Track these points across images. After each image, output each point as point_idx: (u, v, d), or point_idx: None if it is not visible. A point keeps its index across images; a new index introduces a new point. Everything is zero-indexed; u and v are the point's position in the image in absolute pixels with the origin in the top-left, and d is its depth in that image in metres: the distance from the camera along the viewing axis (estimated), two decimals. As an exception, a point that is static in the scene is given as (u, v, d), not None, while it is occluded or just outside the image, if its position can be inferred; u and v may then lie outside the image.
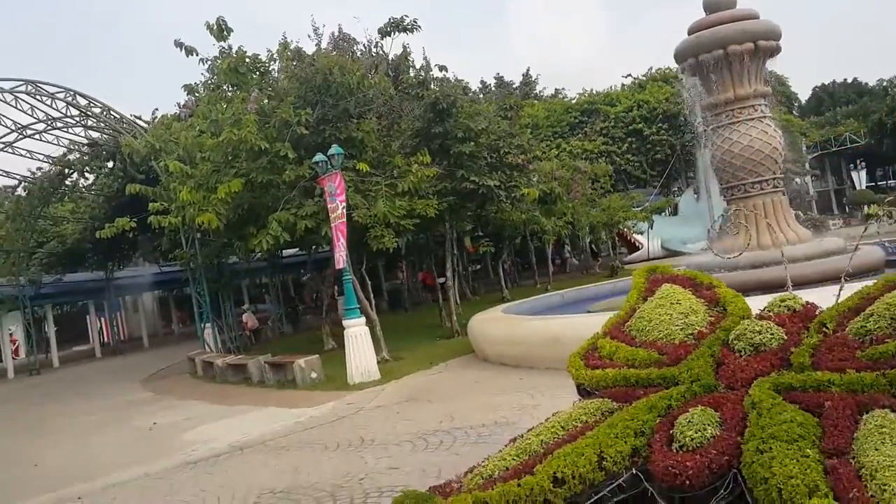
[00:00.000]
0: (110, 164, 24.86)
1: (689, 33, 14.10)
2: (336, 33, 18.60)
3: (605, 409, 4.24)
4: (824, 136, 50.03)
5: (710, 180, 39.27)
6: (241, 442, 9.99)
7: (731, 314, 4.74)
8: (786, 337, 4.20)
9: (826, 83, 76.56)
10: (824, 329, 4.20)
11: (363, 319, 13.80)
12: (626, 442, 3.72)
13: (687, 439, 3.56)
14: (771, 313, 4.52)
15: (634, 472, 3.73)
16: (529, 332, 11.54)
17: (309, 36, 18.53)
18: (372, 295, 17.89)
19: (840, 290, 4.84)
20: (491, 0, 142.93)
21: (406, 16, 18.31)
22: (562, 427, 4.15)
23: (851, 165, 50.50)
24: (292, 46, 17.42)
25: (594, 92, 43.55)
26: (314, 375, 14.12)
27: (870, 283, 5.00)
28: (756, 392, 3.72)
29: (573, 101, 43.11)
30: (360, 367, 13.28)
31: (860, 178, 48.75)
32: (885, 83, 59.48)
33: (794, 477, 3.05)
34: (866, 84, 77.08)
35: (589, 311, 14.27)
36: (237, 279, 29.76)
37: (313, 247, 20.77)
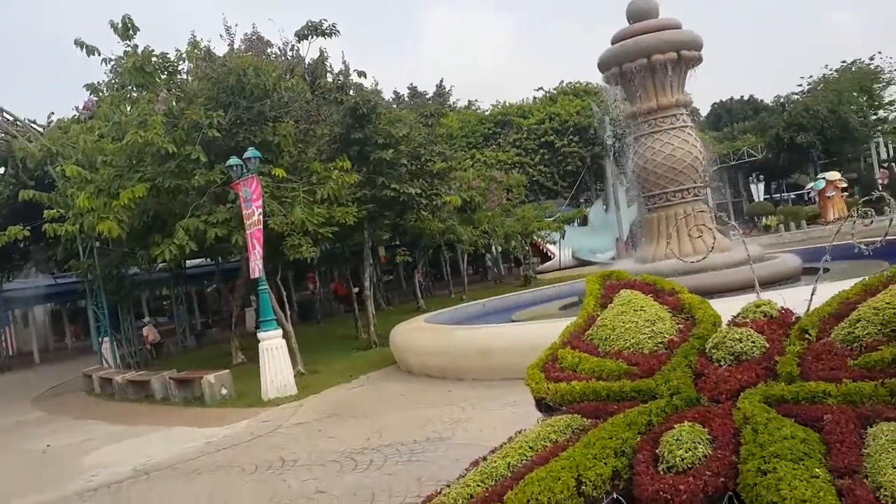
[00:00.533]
0: (1, 170, 23.07)
1: (613, 42, 14.11)
2: (250, 34, 17.82)
3: (575, 426, 3.84)
4: (724, 151, 51.95)
5: (618, 191, 40.23)
6: (146, 466, 9.14)
7: (700, 321, 4.44)
8: (767, 345, 3.92)
9: (724, 99, 79.77)
10: (807, 336, 3.93)
11: (280, 332, 13.08)
12: (605, 463, 3.32)
13: (677, 459, 3.19)
14: (747, 320, 4.24)
15: (616, 496, 3.35)
16: (458, 343, 11.13)
17: (221, 36, 17.57)
18: (287, 306, 17.11)
19: (812, 294, 4.62)
20: (399, 13, 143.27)
21: (324, 20, 17.74)
22: (530, 447, 3.72)
23: (750, 178, 52.62)
24: (203, 46, 16.51)
25: (507, 104, 43.86)
26: (224, 392, 13.27)
27: (790, 289, 4.89)
28: (746, 405, 3.39)
29: (487, 113, 43.28)
30: (275, 381, 12.55)
31: (758, 191, 50.85)
32: (781, 100, 62.42)
33: (806, 501, 2.72)
34: (762, 101, 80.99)
35: (513, 321, 14.02)
36: (138, 291, 28.15)
37: (222, 256, 19.78)
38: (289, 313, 16.57)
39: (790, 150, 51.57)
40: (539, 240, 35.15)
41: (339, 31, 17.93)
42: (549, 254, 36.88)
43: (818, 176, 47.14)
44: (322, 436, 9.24)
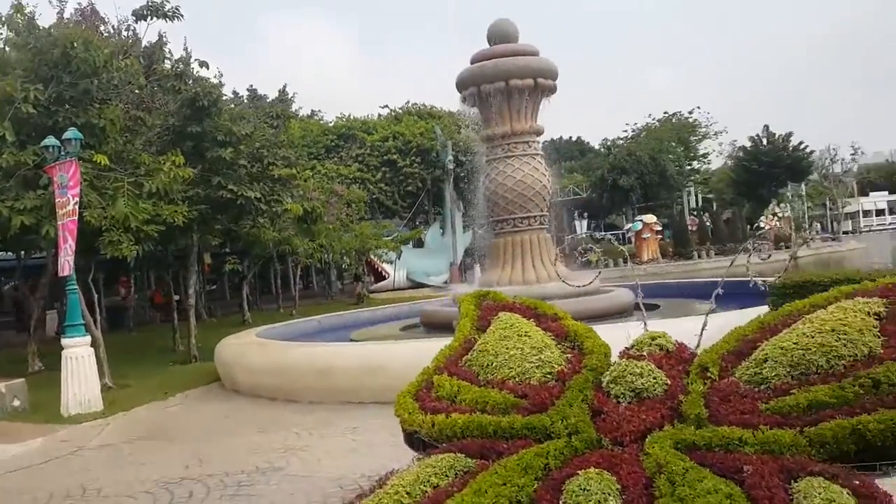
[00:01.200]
0: None
1: (472, 62, 13.94)
2: (84, 4, 16.05)
3: (459, 467, 3.27)
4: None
5: (455, 216, 40.64)
6: None
7: (590, 351, 4.05)
8: (669, 382, 3.57)
9: (555, 138, 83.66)
10: (708, 375, 3.63)
11: (88, 338, 11.58)
12: (500, 516, 2.81)
13: (586, 514, 2.73)
14: (643, 352, 3.89)
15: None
16: (294, 361, 10.28)
17: (50, 1, 15.66)
18: (97, 311, 15.35)
19: (702, 329, 4.38)
20: (239, 12, 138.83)
21: (167, 1, 16.34)
22: (408, 494, 3.11)
23: (574, 215, 55.23)
24: (27, 11, 14.60)
25: (352, 118, 43.23)
26: (17, 403, 11.55)
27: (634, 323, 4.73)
28: (657, 451, 2.98)
29: (330, 124, 42.40)
30: (78, 394, 11.03)
31: (581, 227, 53.43)
32: (607, 143, 66.19)
33: (743, 571, 2.34)
34: (589, 143, 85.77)
35: (353, 340, 13.35)
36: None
37: (27, 250, 17.60)
38: (98, 319, 14.90)
39: (612, 191, 54.67)
40: (374, 258, 34.64)
41: (182, 15, 16.60)
42: (384, 273, 36.46)
43: (636, 218, 50.23)
44: (132, 461, 8.10)
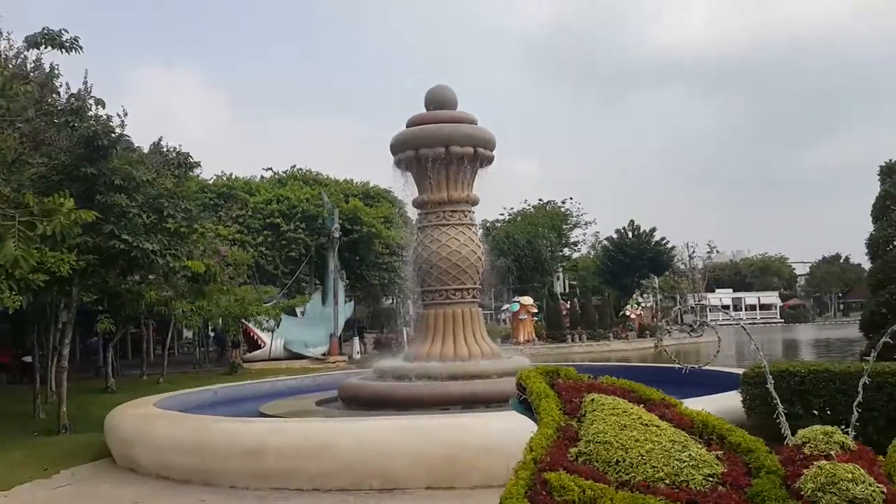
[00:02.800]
0: None
1: (410, 125, 13.38)
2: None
3: None
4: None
5: (337, 285, 39.41)
6: None
7: (747, 449, 3.35)
8: (884, 490, 2.92)
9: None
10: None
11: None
12: None
13: None
14: (823, 451, 3.22)
15: None
16: (218, 438, 8.89)
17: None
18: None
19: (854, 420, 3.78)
20: (106, 65, 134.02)
21: (65, 30, 14.83)
22: None
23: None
24: None
25: (233, 177, 41.49)
26: None
27: None
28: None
29: (210, 182, 40.44)
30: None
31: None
32: (486, 224, 67.23)
33: None
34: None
35: (263, 413, 11.98)
36: None
37: None
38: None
39: (490, 270, 55.33)
40: (250, 325, 32.66)
41: (80, 47, 15.08)
42: (260, 342, 34.46)
43: (514, 299, 50.81)
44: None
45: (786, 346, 47.05)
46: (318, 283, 42.71)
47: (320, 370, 32.69)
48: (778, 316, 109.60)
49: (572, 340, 46.93)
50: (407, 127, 13.43)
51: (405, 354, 13.39)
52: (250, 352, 34.24)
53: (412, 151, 13.01)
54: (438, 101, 13.50)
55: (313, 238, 39.70)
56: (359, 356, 39.12)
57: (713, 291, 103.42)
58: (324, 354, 36.61)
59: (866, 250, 10.30)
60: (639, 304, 55.98)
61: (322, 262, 40.22)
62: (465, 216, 13.25)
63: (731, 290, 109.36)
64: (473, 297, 13.22)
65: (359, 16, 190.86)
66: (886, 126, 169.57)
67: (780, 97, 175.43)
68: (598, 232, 67.95)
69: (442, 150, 12.81)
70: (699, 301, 76.00)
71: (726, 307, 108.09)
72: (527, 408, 4.29)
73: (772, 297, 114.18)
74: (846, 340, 48.04)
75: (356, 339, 40.15)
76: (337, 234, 38.04)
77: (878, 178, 10.25)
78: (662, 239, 63.86)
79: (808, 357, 36.01)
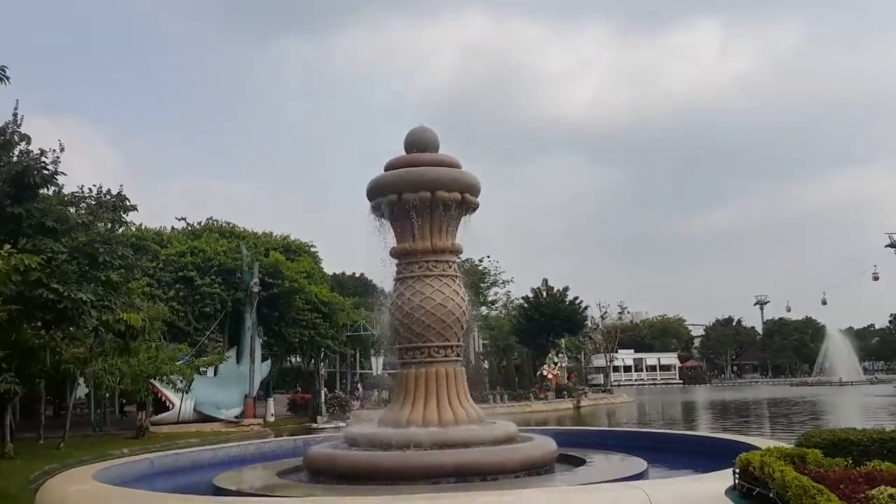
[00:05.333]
0: None
1: (389, 168, 12.35)
2: None
3: None
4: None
5: (254, 343, 37.12)
6: None
7: None
8: None
9: (338, 273, 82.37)
10: None
11: None
12: None
13: None
14: None
15: None
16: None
17: None
18: None
19: None
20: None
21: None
22: None
23: (371, 351, 53.51)
24: None
25: (144, 227, 38.86)
26: None
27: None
28: None
29: (119, 231, 37.64)
30: None
31: (377, 364, 51.72)
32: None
33: None
34: (372, 280, 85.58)
35: (219, 487, 10.34)
36: None
37: None
38: None
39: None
40: (158, 385, 30.06)
41: (7, 78, 13.42)
42: (168, 403, 31.74)
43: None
44: None
45: (704, 408, 47.66)
46: (219, 340, 39.70)
47: (234, 434, 30.41)
48: (677, 377, 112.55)
49: (493, 401, 45.98)
50: (386, 170, 12.40)
51: (379, 419, 12.04)
52: (157, 414, 31.47)
53: (394, 196, 11.95)
54: (421, 143, 12.56)
55: (230, 293, 37.45)
56: (272, 418, 36.80)
57: (616, 352, 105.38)
58: (237, 417, 34.15)
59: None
60: (555, 363, 55.81)
61: (238, 317, 37.90)
62: (450, 267, 12.24)
63: (632, 351, 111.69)
64: (458, 354, 12.12)
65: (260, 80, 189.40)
66: (765, 194, 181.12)
67: (669, 165, 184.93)
68: (509, 291, 67.92)
69: (427, 195, 11.82)
70: (611, 362, 76.81)
71: (628, 367, 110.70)
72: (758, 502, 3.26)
73: (671, 359, 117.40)
74: (745, 402, 49.32)
75: (270, 401, 37.79)
76: (256, 289, 36.02)
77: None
78: (576, 298, 64.38)
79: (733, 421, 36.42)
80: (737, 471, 3.44)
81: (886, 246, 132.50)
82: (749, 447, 11.25)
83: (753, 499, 3.31)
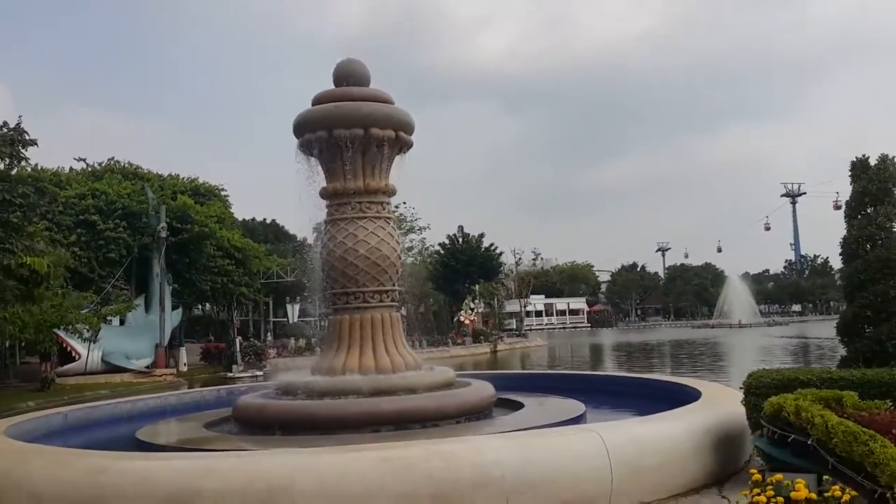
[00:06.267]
0: None
1: (318, 102, 11.57)
2: None
3: None
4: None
5: (164, 290, 35.61)
6: None
7: None
8: None
9: (247, 219, 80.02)
10: None
11: None
12: None
13: None
14: None
15: None
16: (129, 483, 6.74)
17: None
18: None
19: None
20: None
21: None
22: None
23: (287, 299, 52.50)
24: None
25: (40, 167, 36.29)
26: None
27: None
28: None
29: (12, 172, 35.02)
30: None
31: (293, 312, 50.82)
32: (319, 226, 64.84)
33: None
34: (284, 227, 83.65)
35: (143, 441, 9.68)
36: None
37: None
38: None
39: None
40: (63, 335, 28.48)
41: None
42: (74, 354, 30.24)
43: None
44: None
45: (615, 350, 49.08)
46: (125, 288, 37.94)
47: (146, 384, 29.29)
48: (586, 321, 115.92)
49: (412, 347, 45.92)
50: (314, 105, 11.62)
51: (312, 367, 11.53)
52: (63, 365, 29.96)
53: (324, 132, 11.20)
54: (352, 75, 11.79)
55: (135, 238, 35.70)
56: (185, 368, 35.73)
57: (527, 297, 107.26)
58: (148, 367, 32.98)
59: (840, 251, 9.96)
60: (472, 309, 56.22)
61: (146, 264, 36.27)
62: (383, 208, 11.67)
63: (543, 297, 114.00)
64: (393, 300, 11.67)
65: (171, 13, 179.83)
66: (662, 148, 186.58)
67: (576, 116, 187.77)
68: (424, 238, 67.62)
69: (360, 131, 11.13)
70: (525, 307, 78.13)
71: (539, 312, 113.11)
72: (794, 452, 2.97)
73: (580, 303, 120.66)
74: (655, 344, 51.14)
75: (183, 350, 36.60)
76: (164, 234, 34.50)
77: (850, 175, 9.98)
78: (491, 245, 64.66)
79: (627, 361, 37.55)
80: (779, 415, 3.14)
81: (782, 195, 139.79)
82: (685, 388, 11.41)
83: (788, 446, 3.02)
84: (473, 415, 10.55)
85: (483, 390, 11.09)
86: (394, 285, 11.63)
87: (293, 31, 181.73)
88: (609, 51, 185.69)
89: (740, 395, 10.04)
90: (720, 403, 9.26)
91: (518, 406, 11.47)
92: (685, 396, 10.35)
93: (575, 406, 10.93)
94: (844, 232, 10.06)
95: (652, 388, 12.81)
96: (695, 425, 8.12)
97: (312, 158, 11.86)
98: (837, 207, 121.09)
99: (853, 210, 9.96)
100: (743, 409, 8.49)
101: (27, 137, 13.99)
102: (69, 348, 30.01)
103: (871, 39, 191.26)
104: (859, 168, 9.87)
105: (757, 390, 7.83)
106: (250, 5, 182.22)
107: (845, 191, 10.69)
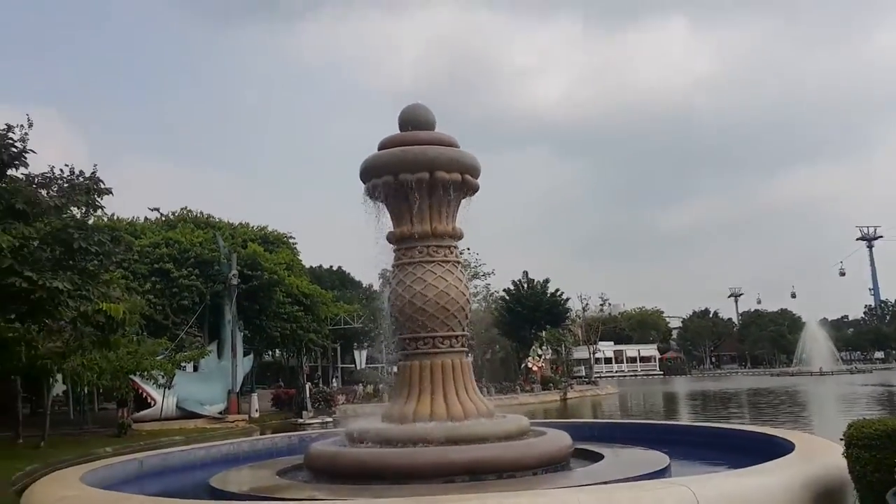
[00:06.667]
0: None
1: (383, 147, 11.56)
2: None
3: None
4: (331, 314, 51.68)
5: (236, 337, 36.16)
6: None
7: None
8: None
9: (314, 266, 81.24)
10: None
11: None
12: None
13: None
14: None
15: None
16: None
17: None
18: None
19: None
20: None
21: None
22: None
23: (355, 345, 52.72)
24: None
25: (116, 217, 37.72)
26: None
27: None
28: None
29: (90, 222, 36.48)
30: None
31: (361, 358, 50.95)
32: (386, 273, 65.13)
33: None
34: (350, 273, 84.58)
35: (216, 489, 9.54)
36: None
37: None
38: None
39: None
40: (139, 381, 29.07)
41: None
42: (150, 400, 30.78)
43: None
44: None
45: (692, 398, 47.40)
46: (198, 335, 38.64)
47: (219, 430, 29.53)
48: (657, 368, 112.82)
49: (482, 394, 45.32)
50: (380, 149, 11.61)
51: (383, 414, 11.30)
52: (139, 411, 30.50)
53: (390, 177, 11.15)
54: (416, 120, 11.77)
55: (208, 285, 36.48)
56: (257, 414, 35.94)
57: (596, 344, 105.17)
58: (221, 413, 33.30)
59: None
60: (539, 355, 55.34)
61: (218, 311, 36.95)
62: (451, 252, 11.49)
63: (612, 343, 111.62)
64: (463, 345, 11.40)
65: (236, 68, 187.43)
66: (727, 191, 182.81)
67: (638, 161, 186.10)
68: (489, 284, 67.24)
69: (426, 175, 11.03)
70: (594, 353, 76.55)
71: (609, 360, 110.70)
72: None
73: (651, 350, 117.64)
74: (735, 392, 49.20)
75: (254, 396, 36.87)
76: (235, 281, 35.13)
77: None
78: (557, 290, 63.83)
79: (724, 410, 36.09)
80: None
81: (858, 239, 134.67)
82: (775, 440, 10.72)
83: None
84: (551, 466, 10.10)
85: (560, 440, 10.62)
86: (463, 330, 11.38)
87: (347, 85, 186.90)
88: (665, 98, 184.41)
89: (837, 447, 9.38)
90: (817, 456, 8.62)
91: (597, 457, 10.95)
92: (776, 448, 9.72)
93: (658, 458, 10.37)
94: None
95: (739, 440, 12.11)
96: (791, 479, 7.56)
97: (379, 203, 11.80)
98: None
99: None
100: (843, 462, 7.88)
101: (102, 186, 14.37)
102: (145, 394, 30.57)
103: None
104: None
105: (859, 441, 7.23)
106: (308, 62, 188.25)
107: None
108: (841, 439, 7.92)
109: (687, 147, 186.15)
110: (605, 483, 8.19)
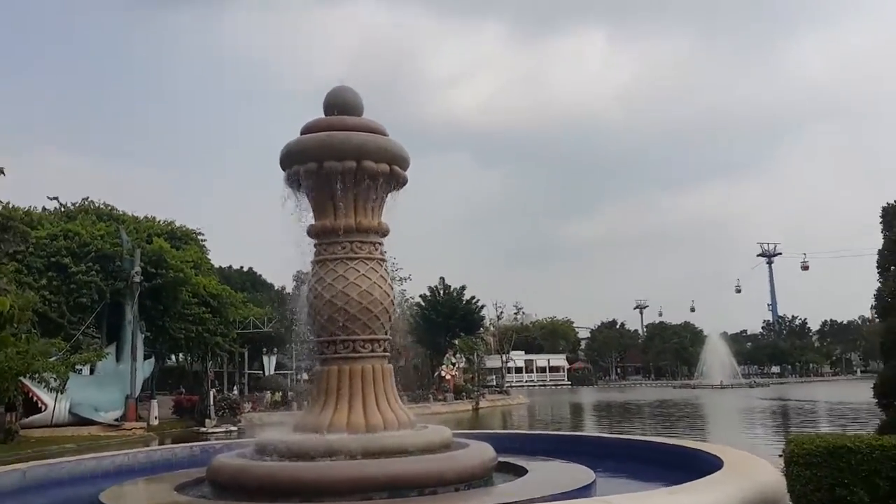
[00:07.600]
0: None
1: (306, 132, 10.75)
2: None
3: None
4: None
5: (136, 339, 34.14)
6: None
7: None
8: None
9: (224, 266, 78.58)
10: None
11: None
12: None
13: None
14: None
15: None
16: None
17: None
18: None
19: None
20: None
21: None
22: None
23: (263, 350, 50.96)
24: None
25: (11, 205, 35.10)
26: None
27: None
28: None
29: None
30: None
31: (270, 364, 49.29)
32: (300, 275, 63.59)
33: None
34: (261, 275, 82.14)
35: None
36: None
37: None
38: None
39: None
40: (29, 384, 26.96)
41: None
42: (40, 404, 28.64)
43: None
44: None
45: (601, 409, 47.89)
46: (96, 335, 36.15)
47: (114, 439, 27.72)
48: (566, 378, 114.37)
49: (393, 402, 44.48)
50: (303, 134, 10.79)
51: (295, 424, 10.44)
52: (28, 416, 28.33)
53: (314, 164, 10.34)
54: (344, 104, 10.94)
55: (108, 282, 34.38)
56: (156, 421, 34.09)
57: (507, 353, 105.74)
58: (118, 420, 31.39)
59: (873, 305, 9.16)
60: (453, 364, 54.95)
61: (118, 311, 34.84)
62: (376, 249, 10.76)
63: (523, 353, 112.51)
64: (385, 350, 10.68)
65: (162, 58, 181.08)
66: (637, 205, 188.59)
67: (550, 172, 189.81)
68: (404, 290, 66.51)
69: (353, 164, 10.27)
70: (506, 362, 76.79)
71: (519, 369, 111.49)
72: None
73: (560, 360, 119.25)
74: (640, 404, 50.06)
75: (154, 403, 34.94)
76: (138, 279, 33.22)
77: (881, 223, 9.25)
78: (473, 298, 63.72)
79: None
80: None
81: (758, 255, 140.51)
82: (701, 454, 10.43)
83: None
84: (473, 480, 9.47)
85: (483, 453, 10.00)
86: (385, 333, 10.68)
87: (278, 84, 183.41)
88: (583, 109, 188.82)
89: (765, 463, 9.14)
90: (750, 473, 8.29)
91: (519, 471, 10.42)
92: (702, 464, 9.42)
93: (583, 473, 9.90)
94: (878, 284, 9.30)
95: (662, 453, 11.83)
96: (728, 499, 7.17)
97: (300, 193, 10.97)
98: (805, 268, 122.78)
99: (887, 260, 9.21)
100: (779, 479, 7.60)
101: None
102: (35, 398, 28.47)
103: (845, 101, 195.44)
104: (891, 214, 9.15)
105: (800, 459, 6.91)
106: (237, 56, 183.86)
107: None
108: (780, 455, 7.65)
109: (600, 159, 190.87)
110: (532, 501, 7.71)
